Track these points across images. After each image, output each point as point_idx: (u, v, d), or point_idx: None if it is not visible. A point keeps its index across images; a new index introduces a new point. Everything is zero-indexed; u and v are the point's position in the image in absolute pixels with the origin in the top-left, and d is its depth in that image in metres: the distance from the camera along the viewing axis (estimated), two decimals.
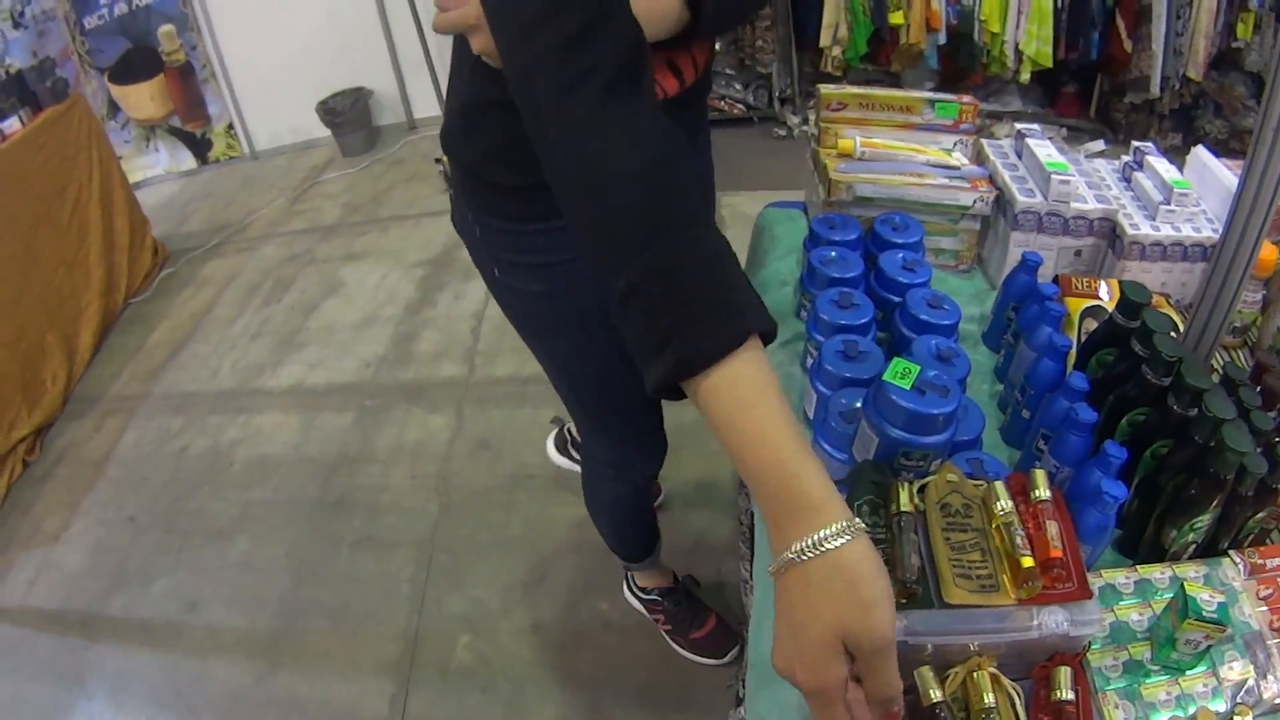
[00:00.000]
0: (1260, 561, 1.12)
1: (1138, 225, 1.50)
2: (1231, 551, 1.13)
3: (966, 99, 1.64)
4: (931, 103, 1.63)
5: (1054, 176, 1.48)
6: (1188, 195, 1.50)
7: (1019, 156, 1.62)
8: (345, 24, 4.85)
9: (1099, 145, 1.67)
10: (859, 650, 0.73)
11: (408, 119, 5.24)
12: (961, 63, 4.81)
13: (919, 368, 1.01)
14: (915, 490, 0.97)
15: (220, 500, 2.93)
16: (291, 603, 2.55)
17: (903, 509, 0.94)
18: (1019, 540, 0.91)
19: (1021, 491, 0.97)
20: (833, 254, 1.40)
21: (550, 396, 1.76)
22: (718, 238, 0.82)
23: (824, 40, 4.47)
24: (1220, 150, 1.79)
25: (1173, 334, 1.19)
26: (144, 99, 4.93)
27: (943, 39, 4.56)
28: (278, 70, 4.93)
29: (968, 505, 0.96)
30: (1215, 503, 1.07)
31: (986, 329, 1.47)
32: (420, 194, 4.55)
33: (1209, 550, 1.14)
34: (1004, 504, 0.94)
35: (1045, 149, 1.55)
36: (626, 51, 0.83)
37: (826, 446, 1.15)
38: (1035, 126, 1.67)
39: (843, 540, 0.73)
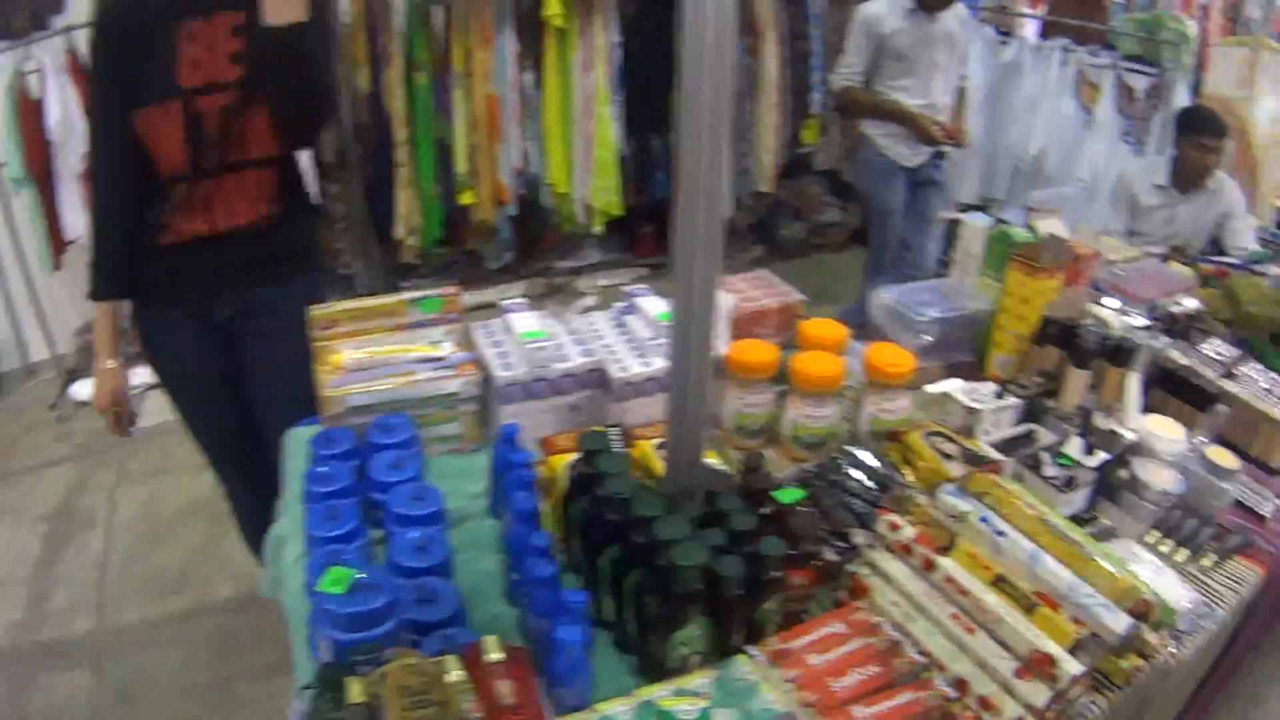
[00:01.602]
0: (783, 647, 1.36)
1: (626, 367, 1.78)
2: (747, 647, 1.36)
3: (449, 291, 1.90)
4: (415, 302, 1.88)
5: (528, 346, 1.74)
6: None
7: (506, 331, 1.88)
8: None
9: (589, 301, 1.98)
10: None
11: (23, 364, 5.21)
12: (535, 228, 5.25)
13: (353, 572, 1.19)
14: (379, 677, 1.13)
15: None
16: None
17: (354, 701, 1.10)
18: (468, 703, 1.08)
19: (477, 658, 1.15)
20: (323, 469, 1.57)
21: (183, 635, 2.43)
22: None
23: (398, 232, 4.77)
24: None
25: (631, 471, 1.44)
26: None
27: (513, 210, 4.96)
28: None
29: (426, 683, 1.13)
30: (695, 614, 1.29)
31: (491, 502, 1.68)
32: (40, 443, 4.63)
33: (727, 651, 1.36)
34: (455, 674, 1.12)
35: (524, 321, 1.83)
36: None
37: (316, 657, 1.30)
38: (521, 300, 1.96)
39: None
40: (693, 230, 1.29)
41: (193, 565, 3.60)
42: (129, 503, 4.04)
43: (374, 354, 1.80)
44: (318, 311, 1.86)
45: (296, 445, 1.91)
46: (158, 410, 4.46)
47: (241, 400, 2.46)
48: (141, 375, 4.69)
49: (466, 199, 4.82)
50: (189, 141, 2.13)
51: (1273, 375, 2.50)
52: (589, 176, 5.15)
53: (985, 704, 1.34)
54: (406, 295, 1.88)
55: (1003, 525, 1.55)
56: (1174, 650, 1.63)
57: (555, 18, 4.76)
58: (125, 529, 3.87)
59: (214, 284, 2.29)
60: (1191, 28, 5.34)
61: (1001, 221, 2.57)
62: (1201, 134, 4.06)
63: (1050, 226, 2.51)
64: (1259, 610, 2.03)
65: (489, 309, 5.12)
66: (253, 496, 2.54)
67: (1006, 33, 5.99)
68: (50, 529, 3.95)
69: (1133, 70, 5.28)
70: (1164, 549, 1.87)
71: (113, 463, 4.32)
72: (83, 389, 4.78)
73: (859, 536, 1.63)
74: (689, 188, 1.27)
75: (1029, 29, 6.30)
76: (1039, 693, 1.31)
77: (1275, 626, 2.90)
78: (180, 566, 3.56)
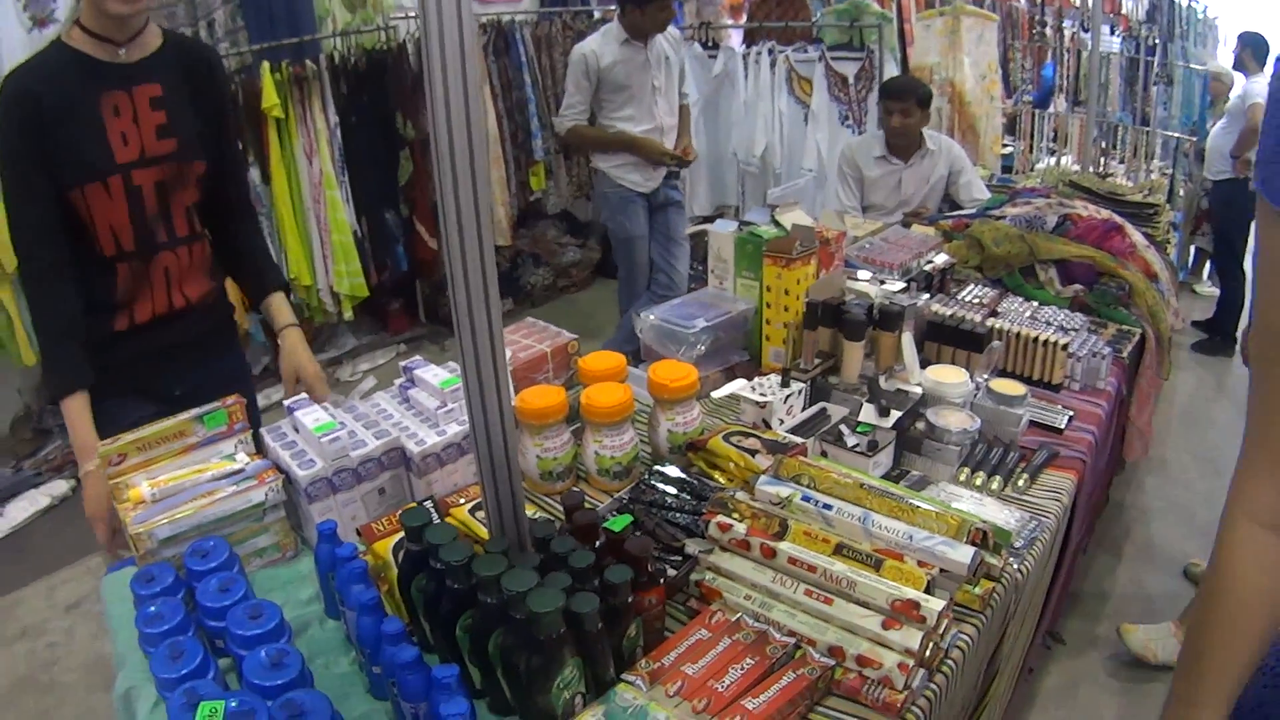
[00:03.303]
0: (657, 665, 1.40)
1: (423, 440, 1.79)
2: (624, 675, 1.39)
3: (231, 401, 1.85)
4: (200, 418, 1.82)
5: (323, 439, 1.72)
6: (460, 390, 1.80)
7: (298, 430, 1.86)
8: None
9: (370, 383, 1.97)
10: None
11: None
12: None
13: (223, 704, 1.16)
14: None
15: None
16: None
17: None
18: None
19: None
20: (153, 609, 1.51)
21: None
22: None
23: None
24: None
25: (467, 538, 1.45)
26: None
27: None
28: None
29: None
30: (568, 655, 1.30)
31: (325, 604, 1.66)
32: None
33: (602, 686, 1.38)
34: None
35: (312, 415, 1.81)
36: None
37: None
38: (302, 397, 1.92)
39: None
40: (470, 290, 1.30)
41: None
42: None
43: (171, 481, 1.74)
44: (105, 448, 1.78)
45: (115, 590, 1.81)
46: None
47: None
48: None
49: None
50: (133, 219, 2.12)
51: (1032, 303, 2.71)
52: (330, 263, 5.13)
53: (863, 661, 1.41)
54: (189, 414, 1.82)
55: (826, 499, 1.63)
56: (1018, 566, 1.76)
57: (274, 109, 4.73)
58: None
59: (172, 361, 2.29)
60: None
61: (746, 224, 2.69)
62: (891, 99, 4.37)
63: (794, 218, 2.64)
64: (1077, 512, 2.21)
65: (264, 414, 5.02)
66: None
67: (713, 46, 6.26)
68: None
69: (840, 58, 5.60)
70: (978, 482, 2.00)
71: None
72: None
73: (692, 545, 1.69)
74: (458, 251, 1.28)
75: (734, 39, 6.61)
76: (911, 637, 1.39)
77: (1095, 526, 3.15)
78: None
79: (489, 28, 5.74)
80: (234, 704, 1.17)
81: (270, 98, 4.69)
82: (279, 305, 2.44)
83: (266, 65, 4.70)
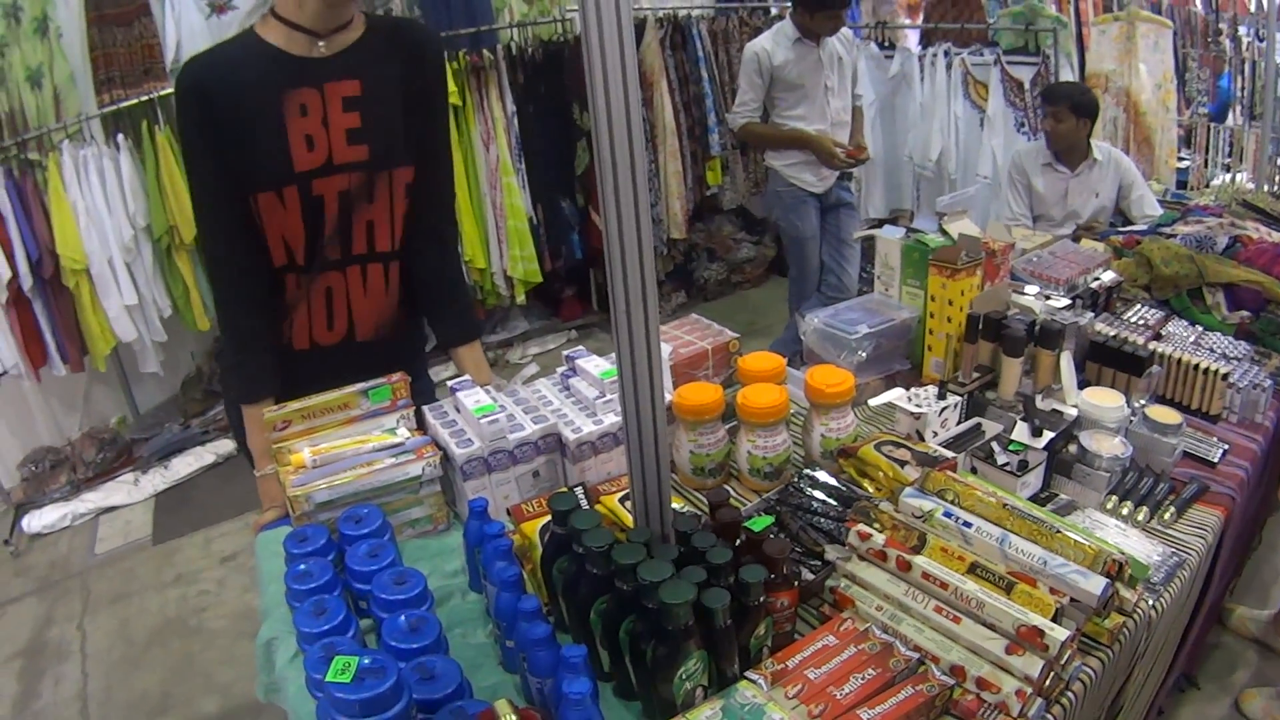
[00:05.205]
0: (781, 667, 1.41)
1: (579, 428, 1.84)
2: (747, 673, 1.41)
3: (395, 378, 1.93)
4: (365, 392, 1.91)
5: (482, 421, 1.78)
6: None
7: (459, 410, 1.93)
8: None
9: (531, 370, 2.02)
10: None
11: None
12: None
13: (357, 659, 1.22)
14: None
15: None
16: None
17: None
18: None
19: None
20: (302, 567, 1.60)
21: None
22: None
23: None
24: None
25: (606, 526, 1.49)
26: None
27: None
28: None
29: None
30: (693, 648, 1.34)
31: (469, 577, 1.73)
32: None
33: (725, 681, 1.41)
34: None
35: (473, 397, 1.88)
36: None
37: None
38: (466, 378, 1.99)
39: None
40: (628, 285, 1.34)
41: (174, 685, 3.55)
42: (99, 631, 3.97)
43: (332, 449, 1.83)
44: (270, 414, 1.88)
45: (268, 548, 1.92)
46: (114, 534, 4.45)
47: None
48: (92, 501, 4.75)
49: None
50: (308, 232, 1.97)
51: (1198, 328, 2.60)
52: (504, 248, 5.25)
53: (983, 684, 1.40)
54: (356, 387, 1.91)
55: (967, 516, 1.62)
56: (1152, 603, 1.70)
57: (451, 95, 4.85)
58: (100, 658, 3.80)
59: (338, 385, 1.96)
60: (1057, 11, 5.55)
61: (914, 231, 2.65)
62: (1045, 101, 4.31)
63: (961, 227, 2.60)
64: (1223, 551, 2.12)
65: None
66: None
67: (889, 46, 6.18)
68: (24, 666, 3.87)
69: (1016, 63, 5.46)
70: (1124, 511, 1.94)
71: (76, 592, 4.25)
72: (35, 521, 4.71)
73: (832, 552, 1.70)
74: (617, 245, 1.32)
75: (911, 39, 6.51)
76: (1032, 664, 1.38)
77: (1243, 567, 2.99)
78: (161, 689, 3.51)
79: (665, 22, 5.78)
80: (367, 661, 1.23)
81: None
82: (475, 363, 2.24)
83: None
